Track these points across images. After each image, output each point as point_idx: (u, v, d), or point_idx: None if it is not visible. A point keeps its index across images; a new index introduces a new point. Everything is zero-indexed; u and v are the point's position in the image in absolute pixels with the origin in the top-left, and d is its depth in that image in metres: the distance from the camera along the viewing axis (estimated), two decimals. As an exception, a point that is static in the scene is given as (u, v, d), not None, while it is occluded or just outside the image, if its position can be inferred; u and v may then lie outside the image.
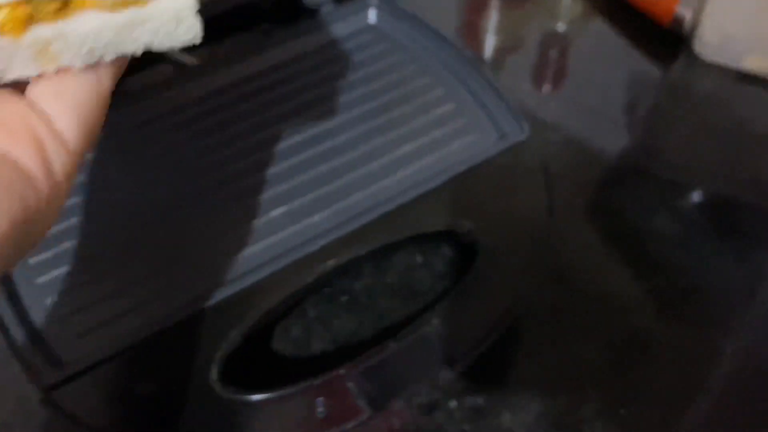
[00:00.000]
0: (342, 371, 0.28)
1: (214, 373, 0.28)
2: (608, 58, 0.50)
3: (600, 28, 0.52)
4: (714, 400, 0.32)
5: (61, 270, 0.32)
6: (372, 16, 0.46)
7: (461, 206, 0.34)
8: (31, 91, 0.20)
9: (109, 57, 0.21)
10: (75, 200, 0.35)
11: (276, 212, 0.35)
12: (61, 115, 0.20)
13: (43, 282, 0.32)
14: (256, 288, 0.32)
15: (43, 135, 0.19)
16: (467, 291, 0.31)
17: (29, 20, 0.20)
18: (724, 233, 0.38)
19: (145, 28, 0.21)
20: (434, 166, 0.36)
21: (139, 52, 0.22)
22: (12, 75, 0.20)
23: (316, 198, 0.35)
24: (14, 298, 0.31)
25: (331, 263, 0.32)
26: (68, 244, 0.33)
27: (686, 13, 0.47)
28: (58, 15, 0.20)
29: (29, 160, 0.18)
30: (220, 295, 0.31)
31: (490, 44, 0.52)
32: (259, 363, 0.32)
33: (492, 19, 0.54)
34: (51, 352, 0.29)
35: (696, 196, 0.40)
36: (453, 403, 0.32)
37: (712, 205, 0.40)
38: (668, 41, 0.49)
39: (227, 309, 0.31)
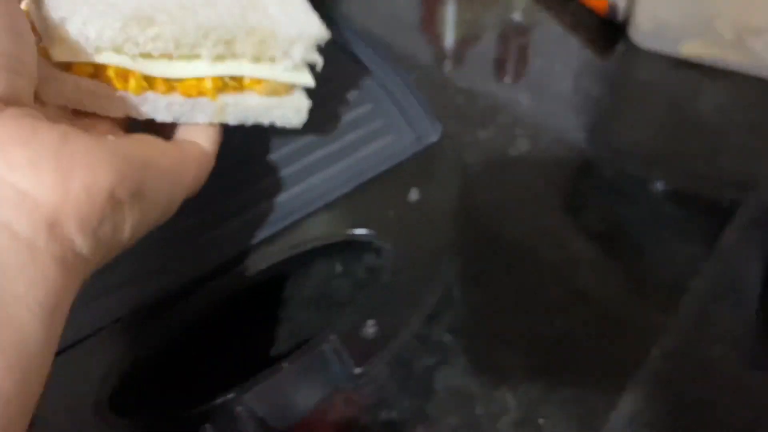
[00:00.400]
0: (231, 395, 0.27)
1: (103, 396, 0.27)
2: (548, 48, 0.48)
3: (538, 18, 0.51)
4: (636, 407, 0.31)
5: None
6: None
7: (370, 212, 0.33)
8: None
9: (249, 122, 0.32)
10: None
11: (180, 225, 0.33)
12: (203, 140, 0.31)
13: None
14: (153, 303, 0.30)
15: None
16: (370, 300, 0.30)
17: (222, 90, 0.30)
18: (659, 226, 0.37)
19: (278, 110, 0.33)
20: (347, 170, 0.35)
21: (265, 123, 0.33)
22: (195, 119, 0.30)
23: (223, 209, 0.34)
24: None
25: (228, 280, 0.31)
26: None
27: (620, 2, 0.46)
28: (237, 90, 0.31)
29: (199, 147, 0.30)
30: (119, 311, 0.30)
31: (448, 37, 0.51)
32: (163, 383, 0.31)
33: (449, 11, 0.53)
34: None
35: (632, 186, 0.39)
36: (366, 418, 0.31)
37: (648, 195, 0.39)
38: (607, 30, 0.48)
39: (125, 325, 0.30)
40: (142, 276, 0.31)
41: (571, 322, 0.34)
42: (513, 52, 0.49)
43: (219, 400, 0.27)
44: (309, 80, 0.33)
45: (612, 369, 0.32)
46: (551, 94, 0.45)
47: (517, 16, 0.51)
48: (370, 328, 0.29)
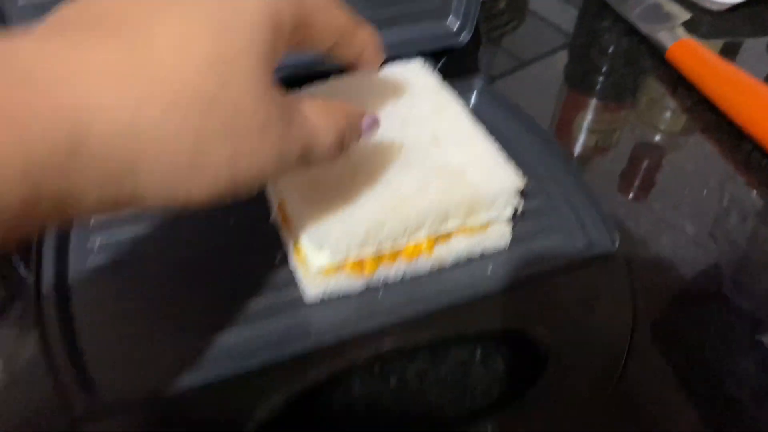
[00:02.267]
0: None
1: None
2: (705, 177, 0.47)
3: (701, 145, 0.50)
4: None
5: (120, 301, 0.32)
6: (473, 98, 0.45)
7: (537, 309, 0.32)
8: None
9: (462, 259, 0.35)
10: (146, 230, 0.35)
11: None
12: None
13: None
14: (306, 356, 0.30)
15: None
16: (529, 405, 0.29)
17: (435, 243, 0.34)
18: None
19: (485, 242, 0.35)
20: (516, 261, 0.35)
21: (476, 254, 0.35)
22: (417, 271, 0.34)
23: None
24: (64, 313, 0.31)
25: (387, 343, 0.30)
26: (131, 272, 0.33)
27: (804, 149, 0.44)
28: (447, 239, 0.34)
29: None
30: (270, 357, 0.30)
31: (581, 143, 0.51)
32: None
33: (587, 118, 0.53)
34: (89, 381, 0.29)
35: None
36: None
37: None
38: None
39: (274, 373, 0.30)
40: (305, 326, 0.32)
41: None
42: (665, 174, 0.48)
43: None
44: (508, 213, 0.35)
45: None
46: (704, 225, 0.43)
47: (674, 139, 0.50)
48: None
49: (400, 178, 0.33)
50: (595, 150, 0.50)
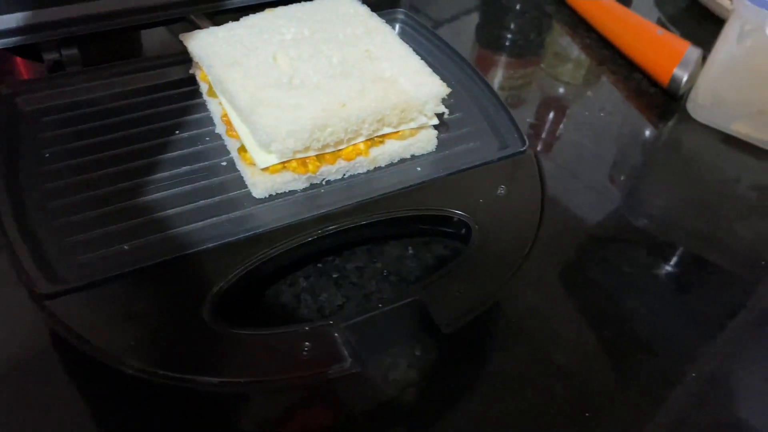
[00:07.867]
0: (330, 321, 0.29)
1: (207, 307, 0.29)
2: (602, 102, 0.53)
3: (598, 76, 0.56)
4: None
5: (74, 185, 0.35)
6: (397, 28, 0.49)
7: (460, 196, 0.36)
8: None
9: (395, 161, 0.40)
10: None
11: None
12: None
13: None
14: (258, 238, 0.33)
15: None
16: (457, 271, 0.33)
17: (371, 146, 0.38)
18: (687, 292, 0.39)
19: (415, 145, 0.40)
20: (438, 161, 0.39)
21: (407, 156, 0.40)
22: (355, 172, 0.38)
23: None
24: (18, 206, 0.33)
25: (332, 227, 0.34)
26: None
27: (683, 75, 0.51)
28: (381, 143, 0.38)
29: None
30: (222, 239, 0.33)
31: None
32: (248, 315, 0.33)
33: (497, 76, 0.58)
34: (48, 265, 0.30)
35: (666, 252, 0.41)
36: (426, 384, 0.33)
37: (680, 263, 0.41)
38: (666, 101, 0.53)
39: (226, 253, 0.32)
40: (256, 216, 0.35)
41: (597, 370, 0.34)
42: (570, 109, 0.53)
43: (320, 324, 0.29)
44: (434, 120, 0.39)
45: (632, 421, 0.33)
46: (604, 150, 0.49)
47: (574, 85, 0.56)
48: (457, 293, 0.31)
49: (339, 87, 0.37)
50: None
